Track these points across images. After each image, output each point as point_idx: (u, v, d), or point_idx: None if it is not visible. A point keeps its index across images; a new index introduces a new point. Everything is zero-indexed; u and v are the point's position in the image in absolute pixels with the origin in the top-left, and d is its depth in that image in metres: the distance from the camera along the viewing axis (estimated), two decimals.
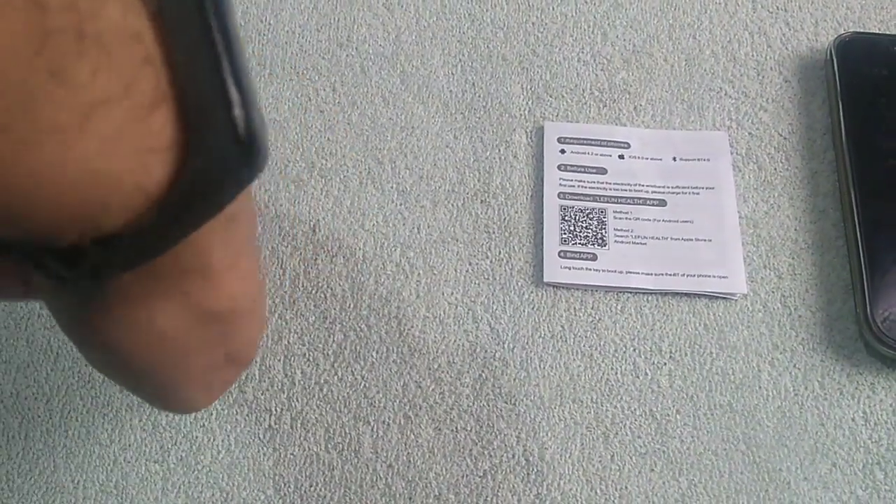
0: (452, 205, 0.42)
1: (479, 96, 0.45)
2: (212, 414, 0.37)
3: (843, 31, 0.45)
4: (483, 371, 0.38)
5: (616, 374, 0.38)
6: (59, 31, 0.17)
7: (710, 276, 0.40)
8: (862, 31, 0.46)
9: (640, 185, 0.42)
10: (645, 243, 0.41)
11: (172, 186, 0.20)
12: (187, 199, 0.21)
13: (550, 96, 0.45)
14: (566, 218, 0.41)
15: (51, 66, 0.17)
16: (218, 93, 0.20)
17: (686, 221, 0.41)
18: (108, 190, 0.19)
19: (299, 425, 0.37)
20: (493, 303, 0.40)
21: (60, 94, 0.18)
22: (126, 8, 0.19)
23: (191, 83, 0.20)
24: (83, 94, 0.18)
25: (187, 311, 0.24)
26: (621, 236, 0.41)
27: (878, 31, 0.46)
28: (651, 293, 0.40)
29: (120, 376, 0.27)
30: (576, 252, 0.40)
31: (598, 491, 0.36)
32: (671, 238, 0.41)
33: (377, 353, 0.39)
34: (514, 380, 0.38)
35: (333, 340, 0.39)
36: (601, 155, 0.43)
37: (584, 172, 0.42)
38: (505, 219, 0.41)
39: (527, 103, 0.45)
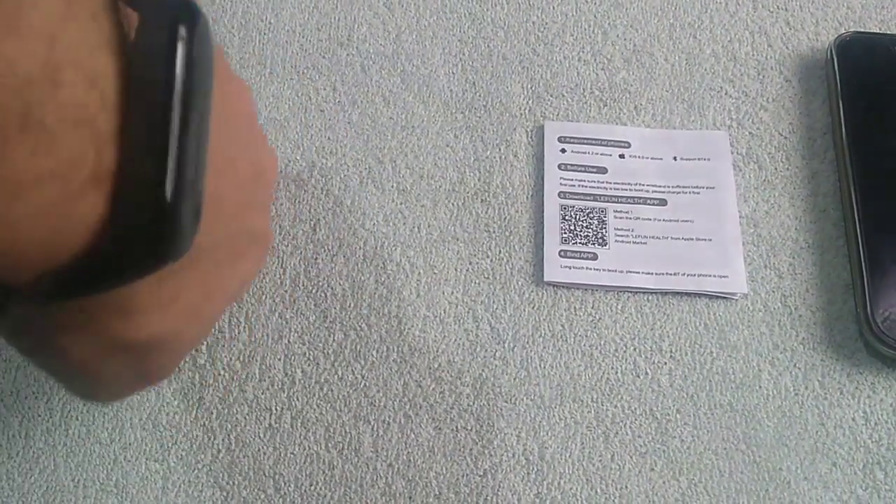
0: (453, 204, 0.42)
1: (480, 95, 0.45)
2: (212, 413, 0.37)
3: (843, 31, 0.45)
4: (483, 370, 0.38)
5: (616, 373, 0.38)
6: (2, 112, 0.18)
7: (710, 276, 0.40)
8: (862, 30, 0.46)
9: (640, 184, 0.42)
10: (645, 243, 0.41)
11: (86, 254, 0.21)
12: (95, 268, 0.21)
13: (551, 95, 0.45)
14: (566, 217, 0.41)
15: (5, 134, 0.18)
16: (153, 175, 0.21)
17: (686, 221, 0.41)
18: (15, 255, 0.20)
19: (300, 424, 0.37)
20: (494, 302, 0.40)
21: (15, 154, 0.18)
22: (91, 84, 0.20)
23: (133, 159, 0.21)
24: (16, 173, 0.18)
25: (100, 340, 0.25)
26: (622, 236, 0.41)
27: (878, 31, 0.46)
28: (651, 292, 0.40)
29: (44, 370, 0.28)
30: (576, 251, 0.40)
31: (599, 490, 0.36)
32: (672, 237, 0.41)
33: (377, 352, 0.39)
34: (515, 379, 0.38)
35: (334, 339, 0.39)
36: (601, 154, 0.43)
37: (585, 172, 0.42)
38: (505, 218, 0.41)
39: (527, 102, 0.45)
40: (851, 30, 0.45)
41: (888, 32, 0.46)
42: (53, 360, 0.27)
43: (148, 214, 0.21)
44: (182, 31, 0.21)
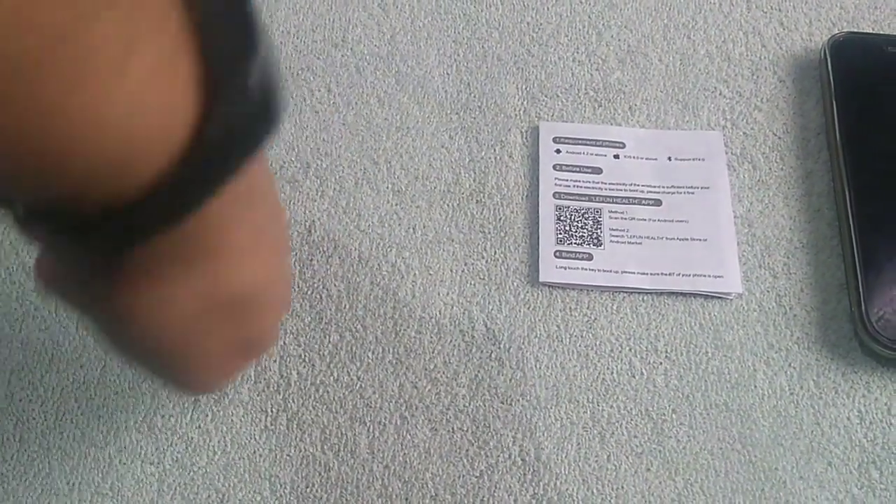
0: (448, 205, 0.42)
1: (475, 96, 0.45)
2: (207, 415, 0.37)
3: (836, 31, 0.45)
4: (479, 371, 0.38)
5: (612, 373, 0.38)
6: None
7: (705, 276, 0.40)
8: (855, 30, 0.46)
9: (635, 184, 0.42)
10: (640, 243, 0.41)
11: (192, 144, 0.20)
12: (207, 156, 0.21)
13: (545, 96, 0.45)
14: (561, 218, 0.41)
15: (80, 11, 0.17)
16: (237, 49, 0.20)
17: (681, 221, 0.41)
18: (139, 140, 0.19)
19: (295, 426, 0.37)
20: (489, 303, 0.40)
21: (106, 24, 0.17)
22: None
23: (211, 36, 0.20)
24: (125, 26, 0.18)
25: (199, 292, 0.24)
26: (617, 236, 0.41)
27: (871, 31, 0.46)
28: (646, 293, 0.40)
29: (129, 354, 0.26)
30: (571, 252, 0.40)
31: (595, 490, 0.36)
32: (666, 238, 0.41)
33: (373, 353, 0.38)
34: (511, 380, 0.38)
35: (329, 341, 0.39)
36: (596, 155, 0.43)
37: (580, 172, 0.42)
38: (500, 219, 0.41)
39: (522, 103, 0.45)
40: (845, 30, 0.45)
41: (881, 32, 0.46)
42: (156, 328, 0.25)
43: (242, 84, 0.20)
44: None
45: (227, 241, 0.24)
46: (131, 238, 0.21)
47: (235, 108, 0.20)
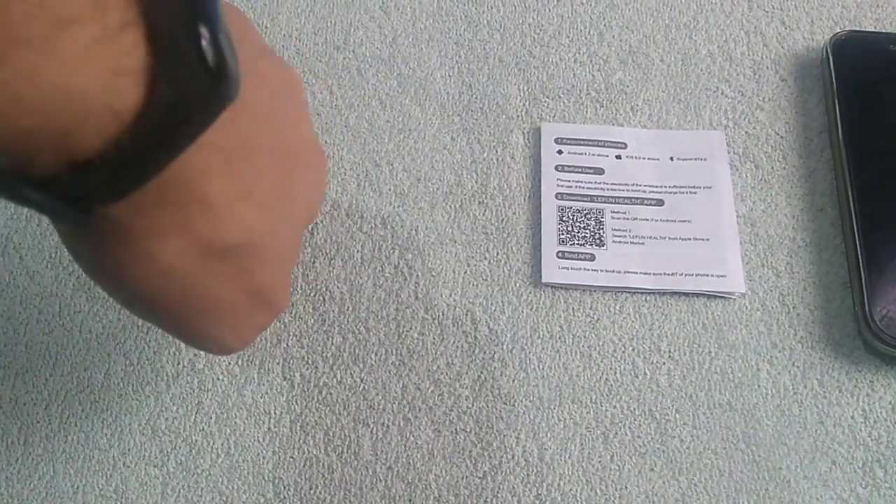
0: (450, 206, 0.42)
1: (476, 98, 0.45)
2: (211, 418, 0.37)
3: (838, 30, 0.45)
4: (482, 372, 0.38)
5: (615, 373, 0.38)
6: None
7: (708, 276, 0.40)
8: (857, 29, 0.46)
9: (637, 185, 0.42)
10: (643, 243, 0.41)
11: (143, 112, 0.21)
12: (158, 125, 0.21)
13: (547, 97, 0.45)
14: (564, 218, 0.41)
15: None
16: (187, 20, 0.20)
17: (684, 221, 0.41)
18: (78, 108, 0.20)
19: (298, 428, 0.37)
20: (492, 304, 0.40)
21: (29, 7, 0.18)
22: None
23: (160, 9, 0.21)
24: (52, 8, 0.18)
25: (191, 244, 0.24)
26: (619, 236, 0.41)
27: (873, 30, 0.46)
28: (649, 293, 0.40)
29: (140, 311, 0.27)
30: (574, 252, 0.40)
31: (598, 491, 0.36)
32: (669, 238, 0.41)
33: (376, 355, 0.39)
34: (513, 381, 0.38)
35: (332, 343, 0.39)
36: (598, 155, 0.43)
37: (582, 173, 0.42)
38: (503, 220, 0.42)
39: (523, 104, 0.45)
40: (847, 28, 0.45)
41: (883, 31, 0.46)
42: (148, 285, 0.25)
43: (192, 55, 0.21)
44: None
45: (203, 192, 0.24)
46: (93, 197, 0.21)
47: (182, 83, 0.21)
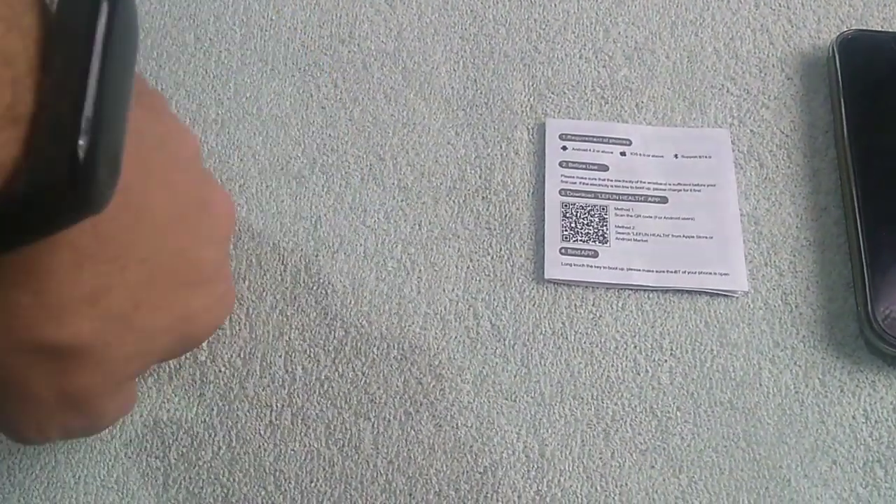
0: (454, 201, 0.42)
1: (481, 93, 0.45)
2: (213, 410, 0.37)
3: (845, 29, 0.45)
4: (484, 367, 0.38)
5: (617, 370, 0.38)
6: None
7: (711, 274, 0.40)
8: (864, 28, 0.46)
9: (641, 182, 0.42)
10: (646, 240, 0.41)
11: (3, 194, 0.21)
12: (2, 215, 0.21)
13: (552, 93, 0.45)
14: (567, 215, 0.41)
15: None
16: (70, 123, 0.21)
17: (687, 219, 0.41)
18: None
19: (300, 421, 0.37)
20: (494, 299, 0.40)
21: None
22: (8, 28, 0.20)
23: (50, 107, 0.21)
24: None
25: (11, 330, 0.24)
26: (622, 233, 0.41)
27: (880, 29, 0.46)
28: (652, 290, 0.40)
29: None
30: (577, 249, 0.40)
31: (599, 487, 0.36)
32: (672, 235, 0.41)
33: (378, 349, 0.39)
34: (515, 376, 0.38)
35: (334, 337, 0.39)
36: (603, 152, 0.43)
37: (586, 169, 0.42)
38: (506, 215, 0.42)
39: (528, 100, 0.45)
40: (853, 27, 0.45)
41: (890, 30, 0.46)
42: None
43: (62, 155, 0.21)
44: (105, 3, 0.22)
45: (49, 289, 0.24)
46: None
47: (45, 179, 0.21)
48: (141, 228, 0.26)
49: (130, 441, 0.37)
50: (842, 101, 0.43)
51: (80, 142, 0.21)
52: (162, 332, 0.29)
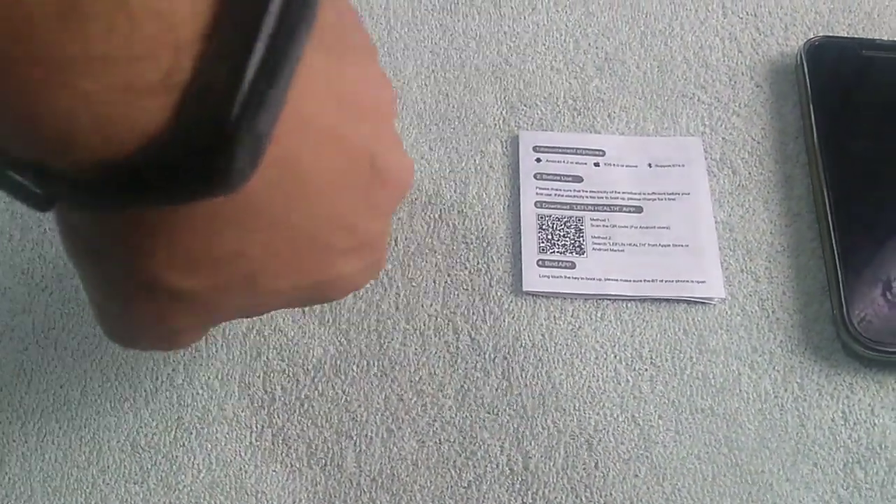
0: (430, 216, 0.42)
1: (453, 107, 0.45)
2: (191, 433, 0.37)
3: (812, 35, 0.46)
4: (464, 382, 0.38)
5: (598, 381, 0.38)
6: None
7: (688, 282, 0.40)
8: (831, 35, 0.46)
9: (616, 192, 0.42)
10: (623, 250, 0.41)
11: (129, 161, 0.20)
12: (134, 179, 0.21)
13: (524, 105, 0.45)
14: (543, 227, 0.41)
15: (61, 7, 0.17)
16: (221, 103, 0.20)
17: (663, 227, 0.41)
18: (65, 136, 0.19)
19: (281, 441, 0.37)
20: (473, 313, 0.39)
21: (60, 35, 0.18)
22: None
23: (205, 80, 0.20)
24: (84, 46, 0.18)
25: (146, 274, 0.24)
26: (599, 244, 0.41)
27: (846, 35, 0.47)
28: (630, 300, 0.40)
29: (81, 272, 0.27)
30: (554, 260, 0.40)
31: (583, 498, 0.36)
32: (648, 244, 0.41)
33: (357, 366, 0.38)
34: (496, 390, 0.38)
35: (313, 355, 0.38)
36: (577, 163, 0.43)
37: (560, 181, 0.42)
38: (482, 229, 0.41)
39: (501, 113, 0.45)
40: (820, 34, 0.46)
41: (856, 36, 0.47)
42: (96, 267, 0.25)
43: (204, 135, 0.20)
44: None
45: (186, 245, 0.23)
46: (110, 202, 0.22)
47: (181, 152, 0.20)
48: (298, 197, 0.24)
49: (108, 467, 0.36)
50: (811, 106, 0.43)
51: (226, 126, 0.20)
52: (289, 292, 0.28)
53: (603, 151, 0.43)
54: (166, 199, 0.21)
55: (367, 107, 0.27)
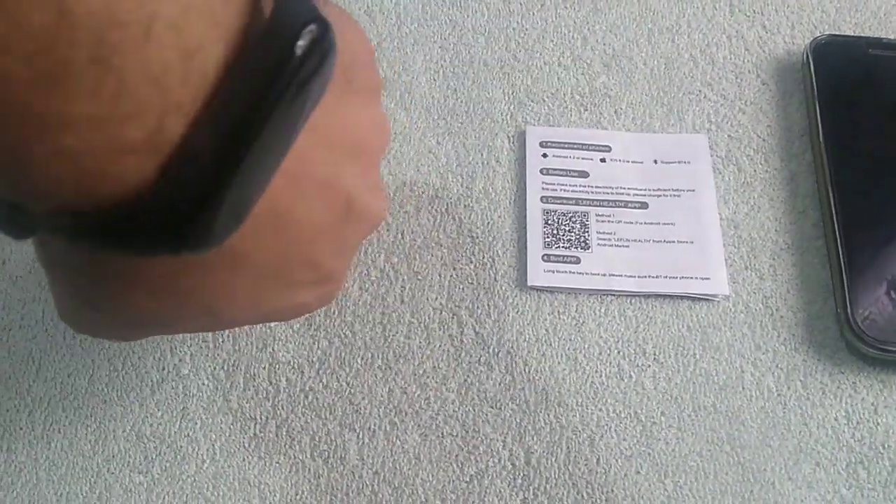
0: (436, 210, 0.42)
1: (461, 102, 0.45)
2: (196, 423, 0.37)
3: (818, 34, 0.46)
4: (468, 376, 0.38)
5: (601, 376, 0.38)
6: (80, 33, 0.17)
7: (692, 278, 0.40)
8: (837, 33, 0.46)
9: (621, 188, 0.42)
10: (627, 246, 0.41)
11: (104, 211, 0.20)
12: (107, 227, 0.21)
13: (532, 101, 0.45)
14: (549, 222, 0.41)
15: (46, 69, 0.17)
16: (201, 174, 0.20)
17: (668, 224, 0.41)
18: (41, 187, 0.20)
19: (284, 433, 0.37)
20: (478, 307, 0.40)
21: (43, 95, 0.18)
22: (186, 55, 0.19)
23: (197, 146, 0.20)
24: (66, 106, 0.18)
25: (106, 293, 0.25)
26: (604, 239, 0.41)
27: (852, 34, 0.47)
28: (634, 296, 0.40)
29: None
30: (559, 255, 0.40)
31: (585, 494, 0.36)
32: (653, 240, 0.41)
33: (362, 359, 0.38)
34: (500, 384, 0.38)
35: (318, 347, 0.39)
36: (583, 158, 0.43)
37: (566, 176, 0.43)
38: (488, 223, 0.42)
39: (508, 108, 0.45)
40: (827, 32, 0.46)
41: (863, 35, 0.47)
42: (65, 277, 0.26)
43: (185, 200, 0.20)
44: (302, 45, 0.20)
45: (148, 280, 0.24)
46: (67, 235, 0.22)
47: (160, 216, 0.20)
48: (273, 242, 0.25)
49: (113, 456, 0.36)
50: (817, 105, 0.43)
51: (210, 191, 0.20)
52: (245, 320, 0.28)
53: (609, 147, 0.43)
54: (139, 252, 0.21)
55: (357, 149, 0.27)
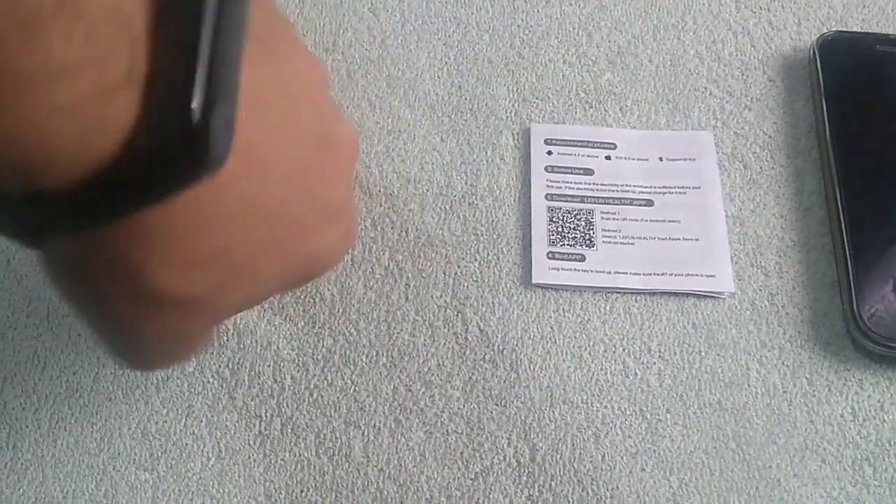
0: (440, 207, 0.42)
1: (466, 99, 0.45)
2: (201, 421, 0.37)
3: (825, 30, 0.45)
4: (473, 373, 0.38)
5: (606, 374, 0.38)
6: None
7: (697, 276, 0.40)
8: (844, 29, 0.46)
9: (626, 185, 0.42)
10: (633, 243, 0.41)
11: (111, 165, 0.21)
12: (119, 182, 0.21)
13: (536, 98, 0.45)
14: (554, 219, 0.41)
15: (18, 20, 0.18)
16: (183, 83, 0.20)
17: (673, 221, 0.41)
18: (48, 153, 0.20)
19: (290, 431, 0.37)
20: (482, 305, 0.40)
21: (24, 49, 0.18)
22: None
23: (164, 67, 0.21)
24: (48, 56, 0.18)
25: (144, 290, 0.24)
26: (609, 237, 0.41)
27: (860, 30, 0.47)
28: (639, 293, 0.40)
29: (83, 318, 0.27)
30: (564, 253, 0.40)
31: (590, 491, 0.36)
32: (658, 238, 0.41)
33: (367, 357, 0.38)
34: (504, 382, 0.38)
35: (323, 345, 0.39)
36: (588, 156, 0.43)
37: (571, 173, 0.42)
38: (493, 221, 0.42)
39: (513, 105, 0.45)
40: (833, 29, 0.46)
41: (870, 31, 0.46)
42: (96, 304, 0.26)
43: (176, 117, 0.20)
44: None
45: (175, 248, 0.24)
46: (46, 227, 0.22)
47: (163, 144, 0.21)
48: (268, 183, 0.25)
49: (118, 454, 0.37)
50: (823, 101, 0.43)
51: (194, 104, 0.20)
52: (280, 275, 0.28)
53: (614, 145, 0.43)
54: (155, 195, 0.22)
55: (306, 88, 0.28)
